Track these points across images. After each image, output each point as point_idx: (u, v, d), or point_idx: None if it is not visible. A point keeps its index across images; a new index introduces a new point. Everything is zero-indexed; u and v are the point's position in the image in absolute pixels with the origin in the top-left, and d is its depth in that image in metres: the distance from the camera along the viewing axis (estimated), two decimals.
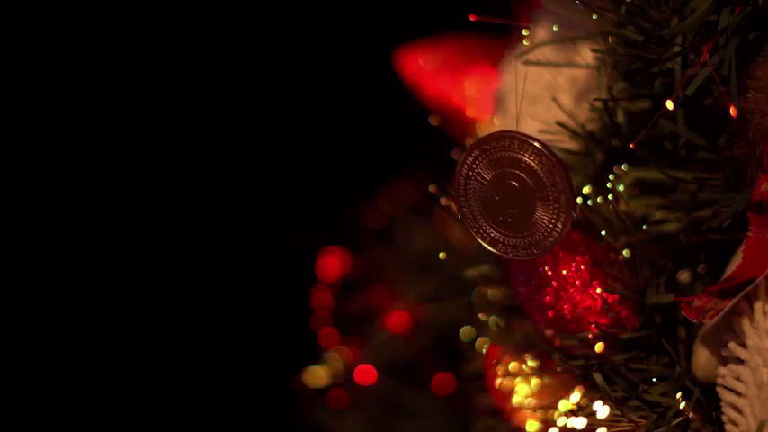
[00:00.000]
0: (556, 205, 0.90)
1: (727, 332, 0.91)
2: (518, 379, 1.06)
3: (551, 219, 0.90)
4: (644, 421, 0.94)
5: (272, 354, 1.72)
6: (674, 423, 0.94)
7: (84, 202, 1.80)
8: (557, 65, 1.04)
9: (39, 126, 1.80)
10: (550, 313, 0.98)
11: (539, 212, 0.91)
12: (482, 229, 0.93)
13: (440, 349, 1.40)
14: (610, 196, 0.98)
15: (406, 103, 1.42)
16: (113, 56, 1.79)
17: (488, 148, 0.91)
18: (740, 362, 0.90)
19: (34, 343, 1.78)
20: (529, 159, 0.90)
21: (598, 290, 0.97)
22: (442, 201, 1.06)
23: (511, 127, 0.94)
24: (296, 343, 1.54)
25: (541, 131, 1.00)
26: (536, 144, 0.90)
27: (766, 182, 0.89)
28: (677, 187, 0.97)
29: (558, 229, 0.91)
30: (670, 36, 0.91)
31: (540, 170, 0.90)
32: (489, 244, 0.93)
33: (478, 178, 0.92)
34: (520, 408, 1.08)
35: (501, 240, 0.93)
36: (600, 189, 0.99)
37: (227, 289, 1.79)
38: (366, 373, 1.46)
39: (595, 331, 0.97)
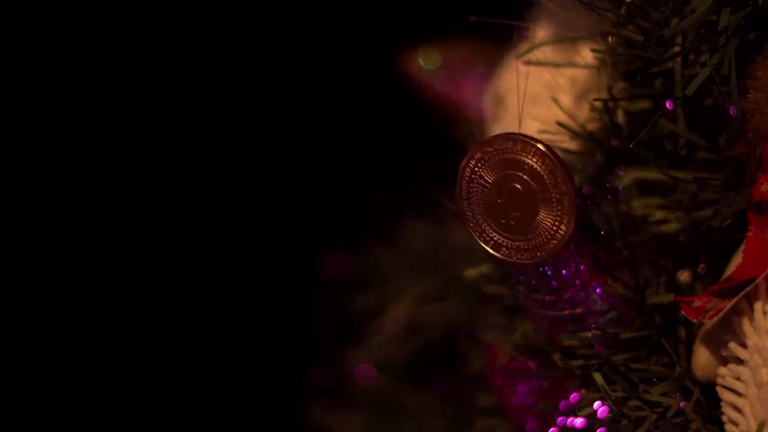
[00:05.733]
0: (559, 207, 0.90)
1: (727, 332, 0.91)
2: (518, 379, 1.06)
3: (555, 221, 0.90)
4: (644, 421, 0.94)
5: (272, 354, 1.72)
6: (674, 423, 0.94)
7: (84, 202, 1.80)
8: (557, 65, 1.04)
9: (39, 126, 1.80)
10: (550, 313, 0.98)
11: (542, 215, 0.91)
12: (485, 233, 0.93)
13: (440, 349, 1.40)
14: (610, 196, 0.98)
15: (407, 103, 1.42)
16: (113, 56, 1.79)
17: (491, 150, 0.91)
18: (740, 362, 0.90)
19: (36, 344, 1.78)
20: (531, 161, 0.90)
21: (598, 290, 0.97)
22: (445, 203, 1.06)
23: (512, 127, 0.94)
24: (296, 343, 1.54)
25: (541, 131, 1.00)
26: (539, 146, 0.89)
27: (766, 182, 0.89)
28: (677, 187, 0.97)
29: (561, 232, 0.90)
30: (670, 36, 0.91)
31: (542, 172, 0.90)
32: (492, 248, 0.93)
33: (481, 181, 0.92)
34: (520, 408, 1.08)
35: (504, 244, 0.93)
36: (600, 189, 0.99)
37: (227, 289, 1.79)
38: (366, 373, 1.46)
39: (595, 331, 0.97)
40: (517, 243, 0.92)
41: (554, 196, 0.90)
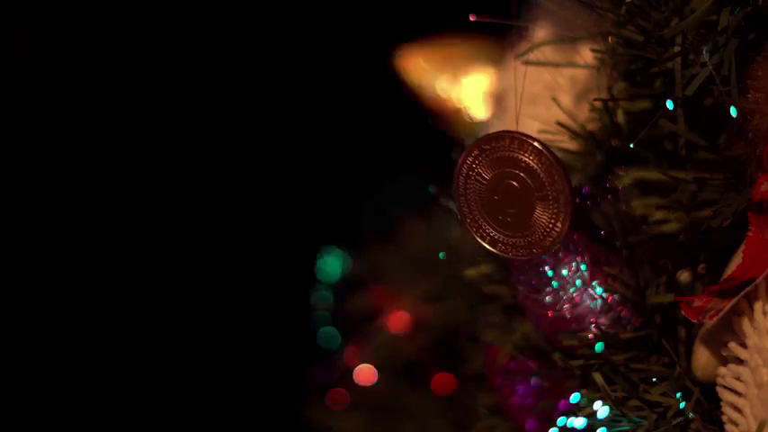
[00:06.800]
0: (555, 205, 0.90)
1: (727, 332, 0.91)
2: (518, 379, 1.06)
3: (551, 218, 0.90)
4: (644, 421, 0.94)
5: (272, 354, 1.72)
6: (674, 423, 0.94)
7: (85, 202, 1.80)
8: (557, 65, 1.04)
9: (39, 126, 1.80)
10: (550, 313, 0.98)
11: (538, 212, 0.91)
12: (482, 229, 0.93)
13: (440, 349, 1.40)
14: (610, 196, 0.98)
15: (406, 102, 1.42)
16: (113, 56, 1.79)
17: (488, 147, 0.91)
18: (740, 362, 0.90)
19: (38, 344, 1.78)
20: (528, 159, 0.90)
21: (598, 290, 0.97)
22: (442, 200, 1.06)
23: (510, 127, 0.94)
24: (296, 343, 1.54)
25: (541, 131, 1.00)
26: (535, 144, 0.90)
27: (766, 182, 0.89)
28: (677, 187, 0.97)
29: (557, 229, 0.91)
30: (670, 36, 0.91)
31: (539, 169, 0.90)
32: (489, 244, 0.93)
33: (478, 178, 0.92)
34: (520, 408, 1.08)
35: (501, 240, 0.93)
36: (600, 189, 0.99)
37: (227, 289, 1.80)
38: (366, 373, 1.46)
39: (595, 331, 0.97)
40: (513, 239, 0.92)
41: (550, 194, 0.90)
